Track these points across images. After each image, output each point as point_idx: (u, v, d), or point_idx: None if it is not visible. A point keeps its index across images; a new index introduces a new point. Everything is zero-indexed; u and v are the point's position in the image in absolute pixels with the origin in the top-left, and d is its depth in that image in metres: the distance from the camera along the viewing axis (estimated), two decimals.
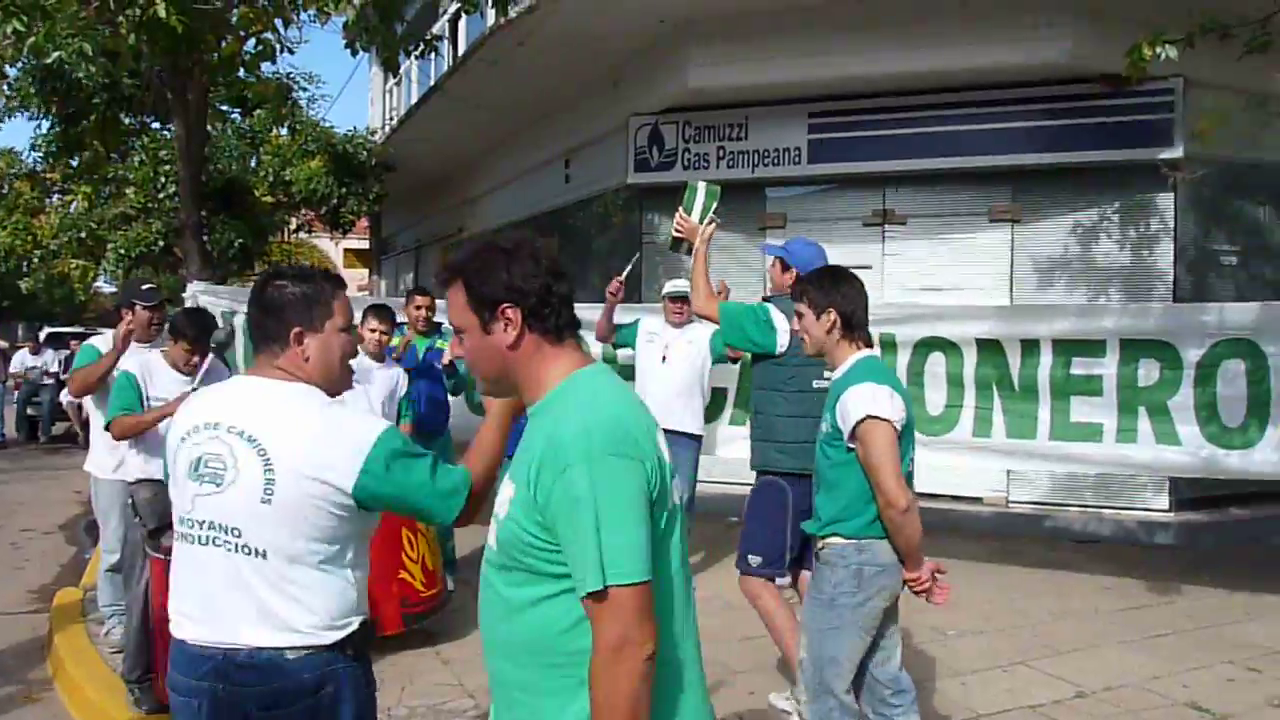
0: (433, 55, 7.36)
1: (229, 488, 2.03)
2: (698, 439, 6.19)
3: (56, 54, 5.43)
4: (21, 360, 15.00)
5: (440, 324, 6.40)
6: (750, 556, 4.29)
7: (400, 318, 6.30)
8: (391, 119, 16.29)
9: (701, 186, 4.64)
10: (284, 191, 13.82)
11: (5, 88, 11.00)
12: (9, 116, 12.29)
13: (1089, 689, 4.75)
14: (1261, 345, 5.71)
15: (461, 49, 11.87)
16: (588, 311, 6.59)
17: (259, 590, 2.04)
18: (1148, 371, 5.94)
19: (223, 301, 7.06)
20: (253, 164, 13.77)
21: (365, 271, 21.85)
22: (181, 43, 5.58)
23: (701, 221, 4.54)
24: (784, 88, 8.43)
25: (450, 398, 6.32)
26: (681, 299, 6.02)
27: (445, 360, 6.00)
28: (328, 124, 14.17)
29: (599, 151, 10.18)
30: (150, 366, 4.71)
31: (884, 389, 2.96)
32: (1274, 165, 7.67)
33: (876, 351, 3.25)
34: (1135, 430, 5.96)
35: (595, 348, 6.47)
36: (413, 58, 7.50)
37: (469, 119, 11.24)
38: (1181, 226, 7.97)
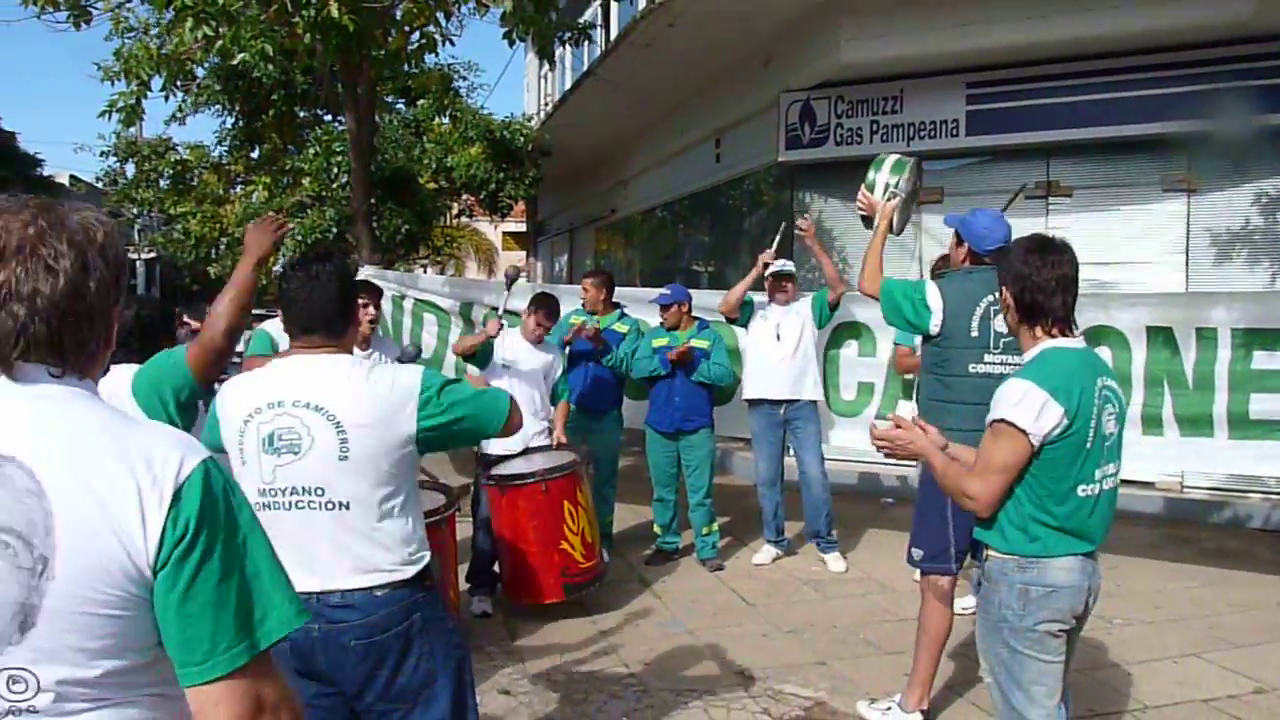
0: (586, 42, 7.49)
1: (307, 454, 2.31)
2: (816, 405, 6.47)
3: (241, 55, 5.83)
4: None
5: (619, 304, 6.68)
6: (914, 550, 4.21)
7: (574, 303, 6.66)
8: (547, 105, 16.65)
9: (889, 159, 4.47)
10: (445, 178, 14.34)
11: (194, 87, 11.81)
12: (195, 113, 13.22)
13: (1268, 685, 4.51)
14: None
15: (614, 34, 12.04)
16: (712, 297, 6.77)
17: (344, 538, 2.33)
18: None
19: (391, 285, 7.48)
20: (416, 152, 14.33)
21: (523, 253, 22.45)
22: (352, 40, 5.90)
23: (884, 196, 4.43)
24: (940, 58, 8.20)
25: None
26: (786, 277, 6.38)
27: (572, 337, 6.28)
28: (486, 111, 14.61)
29: (750, 130, 10.15)
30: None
31: (1040, 394, 2.60)
32: None
33: (1073, 342, 2.79)
34: None
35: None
36: (567, 45, 7.64)
37: (620, 102, 11.40)
38: None
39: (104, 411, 1.28)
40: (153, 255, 29.49)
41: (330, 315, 2.42)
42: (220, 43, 5.76)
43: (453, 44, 7.25)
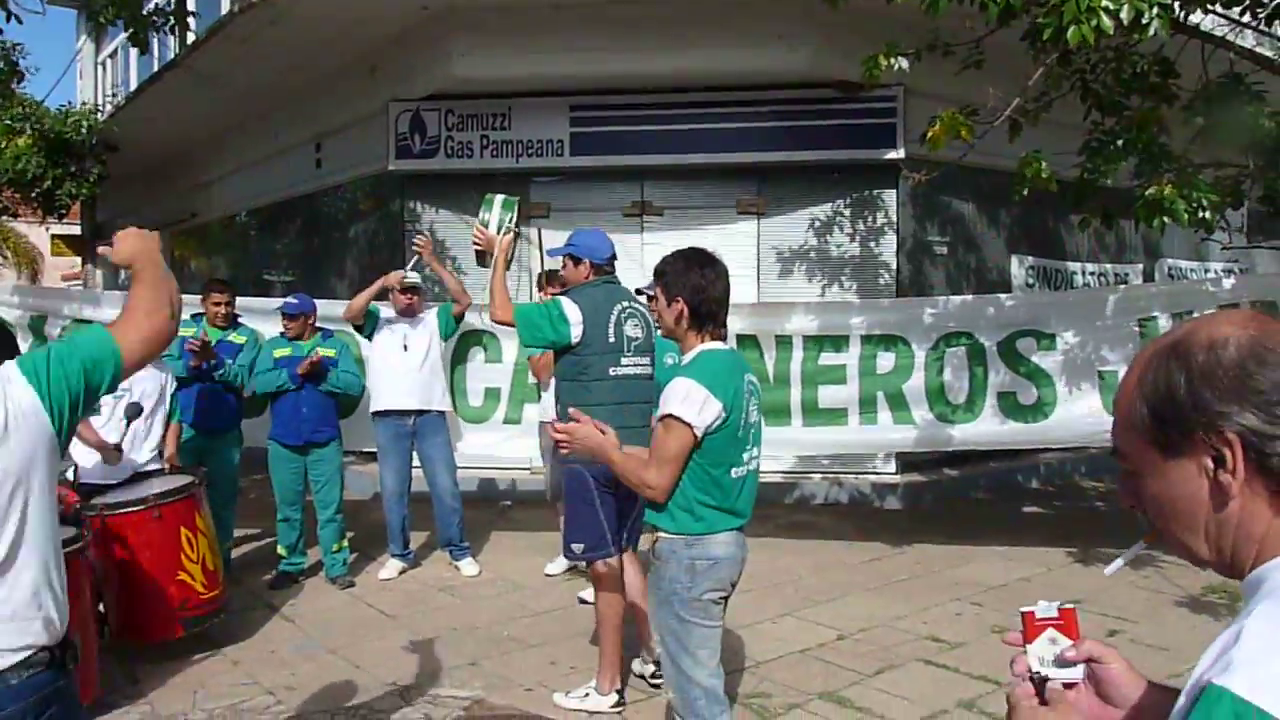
0: (180, 31, 6.89)
1: None
2: (445, 415, 6.58)
3: None
4: None
5: (237, 317, 6.27)
6: (573, 545, 4.40)
7: (192, 313, 6.13)
8: (113, 96, 14.99)
9: (498, 199, 4.74)
10: None
11: None
12: None
13: (846, 631, 5.36)
14: (977, 335, 6.73)
15: (191, 22, 11.14)
16: (337, 308, 6.66)
17: None
18: (883, 361, 6.79)
19: None
20: None
21: (78, 259, 19.90)
22: None
23: (499, 233, 4.66)
24: (547, 80, 8.62)
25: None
26: (413, 290, 6.43)
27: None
28: (31, 98, 12.85)
29: (355, 136, 9.93)
30: None
31: (700, 391, 2.92)
32: (980, 168, 8.73)
33: (723, 345, 3.17)
34: (875, 414, 6.80)
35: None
36: (167, 33, 6.97)
37: (208, 98, 10.62)
38: (903, 221, 8.92)
39: None
40: None
41: None
42: None
43: (20, 21, 6.32)
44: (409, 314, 6.43)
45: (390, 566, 6.52)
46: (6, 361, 1.98)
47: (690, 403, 2.92)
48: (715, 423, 2.96)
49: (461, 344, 7.02)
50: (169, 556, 4.91)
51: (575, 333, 4.26)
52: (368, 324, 6.48)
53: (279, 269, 12.25)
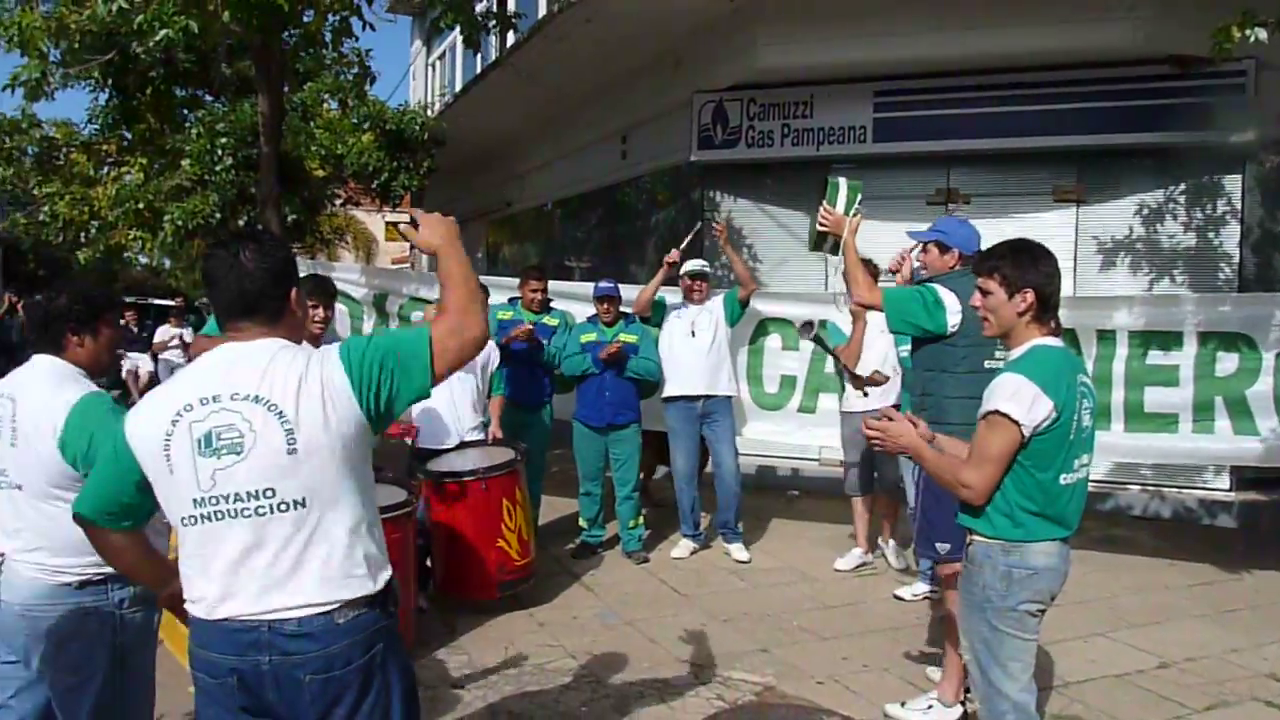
0: (510, 32, 7.40)
1: (251, 453, 2.05)
2: (731, 399, 6.64)
3: (164, 32, 5.54)
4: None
5: (550, 301, 6.70)
6: (938, 545, 4.13)
7: (508, 296, 6.71)
8: (443, 95, 16.36)
9: (843, 182, 4.61)
10: (335, 165, 13.94)
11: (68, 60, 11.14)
12: (65, 88, 12.45)
13: (1170, 660, 4.88)
14: None
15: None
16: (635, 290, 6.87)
17: (300, 545, 2.07)
18: (1224, 363, 6.08)
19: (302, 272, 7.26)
20: (303, 138, 13.87)
21: (407, 245, 21.98)
22: (286, 20, 5.70)
23: (847, 215, 4.49)
24: (850, 67, 8.47)
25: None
26: (701, 276, 6.55)
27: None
28: (375, 98, 14.25)
29: (659, 128, 10.24)
30: None
31: (1031, 387, 2.76)
32: None
33: (1056, 340, 2.97)
34: (1211, 422, 6.11)
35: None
36: (492, 35, 7.53)
37: (524, 94, 11.32)
38: (1248, 209, 7.99)
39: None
40: None
41: (261, 298, 2.17)
42: (140, 18, 5.46)
43: (374, 29, 7.06)
44: (697, 300, 6.55)
45: (682, 546, 6.69)
46: (328, 345, 2.20)
47: (1019, 399, 2.76)
48: (1045, 423, 2.78)
49: (758, 331, 7.07)
50: (491, 524, 5.31)
51: (953, 321, 4.03)
52: (655, 314, 6.68)
53: (579, 256, 12.89)
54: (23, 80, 6.06)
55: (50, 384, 2.78)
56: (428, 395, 2.21)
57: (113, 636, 2.76)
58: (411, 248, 21.41)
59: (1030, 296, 2.91)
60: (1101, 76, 8.05)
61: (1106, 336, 6.28)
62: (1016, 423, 2.76)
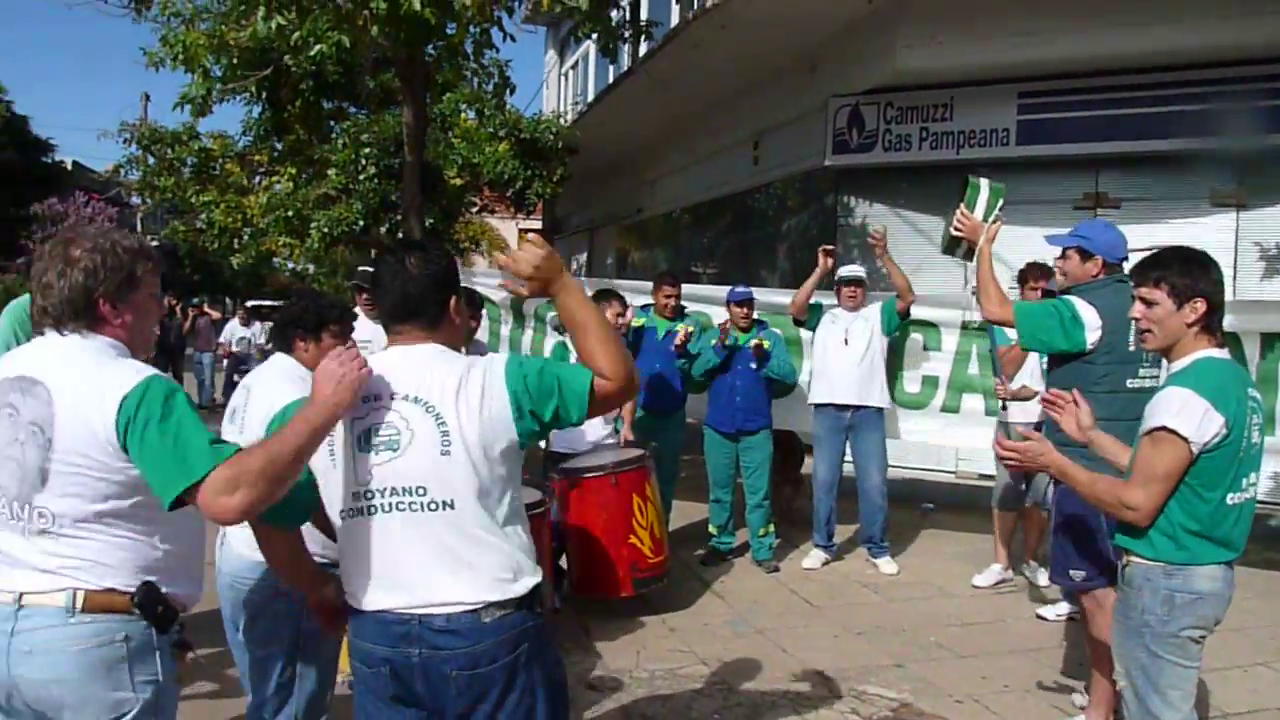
0: (646, 39, 7.51)
1: (407, 450, 2.13)
2: (883, 412, 6.46)
3: (318, 47, 5.82)
4: (231, 330, 16.13)
5: (684, 308, 6.71)
6: (1073, 572, 3.93)
7: (641, 301, 6.74)
8: (576, 104, 16.64)
9: (985, 184, 4.42)
10: (471, 174, 14.33)
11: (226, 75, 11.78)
12: (221, 102, 13.16)
13: None
14: None
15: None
16: (775, 295, 6.78)
17: (450, 543, 2.13)
18: None
19: None
20: (441, 148, 14.31)
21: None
22: (432, 34, 5.90)
23: (986, 220, 4.33)
24: (993, 68, 8.25)
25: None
26: (857, 283, 6.41)
27: (677, 342, 6.23)
28: (512, 108, 14.60)
29: (792, 134, 10.17)
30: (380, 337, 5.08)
31: (1200, 402, 2.61)
32: None
33: (1223, 352, 2.82)
34: None
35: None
36: (624, 43, 7.63)
37: (658, 101, 11.41)
38: None
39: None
40: (154, 245, 29.41)
41: (423, 302, 2.24)
42: (297, 34, 5.74)
43: (514, 40, 7.24)
44: (852, 307, 6.44)
45: (814, 556, 6.60)
46: (491, 355, 2.30)
47: (1188, 415, 2.61)
48: (1214, 440, 2.63)
49: (901, 330, 6.88)
50: (622, 520, 5.35)
51: (1092, 338, 3.82)
52: (811, 317, 6.58)
53: (708, 263, 12.90)
54: (190, 97, 6.45)
55: (276, 381, 3.04)
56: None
57: (298, 620, 2.92)
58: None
59: (1201, 306, 2.75)
60: (1262, 74, 7.60)
61: (1273, 340, 5.87)
62: (1185, 439, 2.62)
